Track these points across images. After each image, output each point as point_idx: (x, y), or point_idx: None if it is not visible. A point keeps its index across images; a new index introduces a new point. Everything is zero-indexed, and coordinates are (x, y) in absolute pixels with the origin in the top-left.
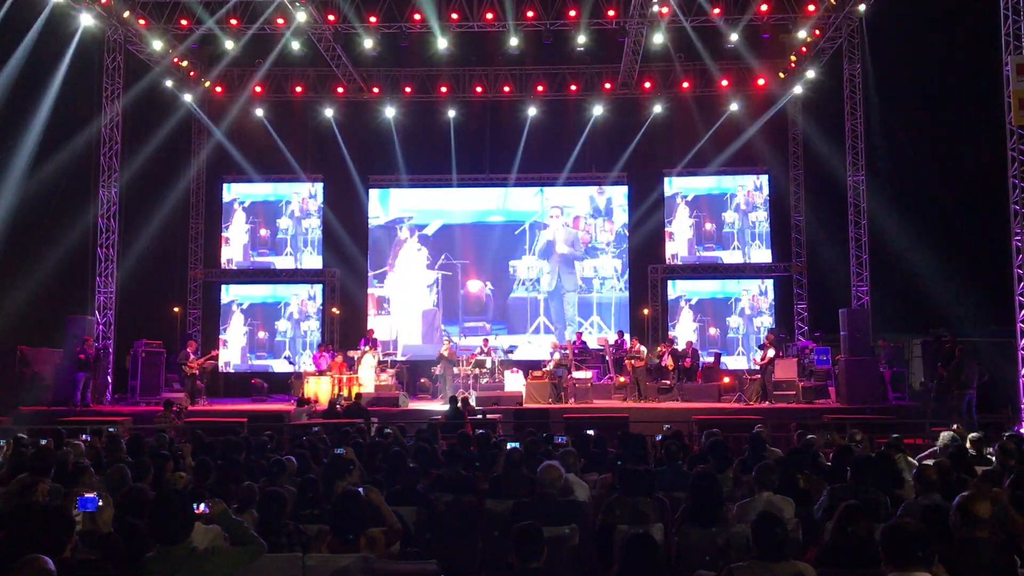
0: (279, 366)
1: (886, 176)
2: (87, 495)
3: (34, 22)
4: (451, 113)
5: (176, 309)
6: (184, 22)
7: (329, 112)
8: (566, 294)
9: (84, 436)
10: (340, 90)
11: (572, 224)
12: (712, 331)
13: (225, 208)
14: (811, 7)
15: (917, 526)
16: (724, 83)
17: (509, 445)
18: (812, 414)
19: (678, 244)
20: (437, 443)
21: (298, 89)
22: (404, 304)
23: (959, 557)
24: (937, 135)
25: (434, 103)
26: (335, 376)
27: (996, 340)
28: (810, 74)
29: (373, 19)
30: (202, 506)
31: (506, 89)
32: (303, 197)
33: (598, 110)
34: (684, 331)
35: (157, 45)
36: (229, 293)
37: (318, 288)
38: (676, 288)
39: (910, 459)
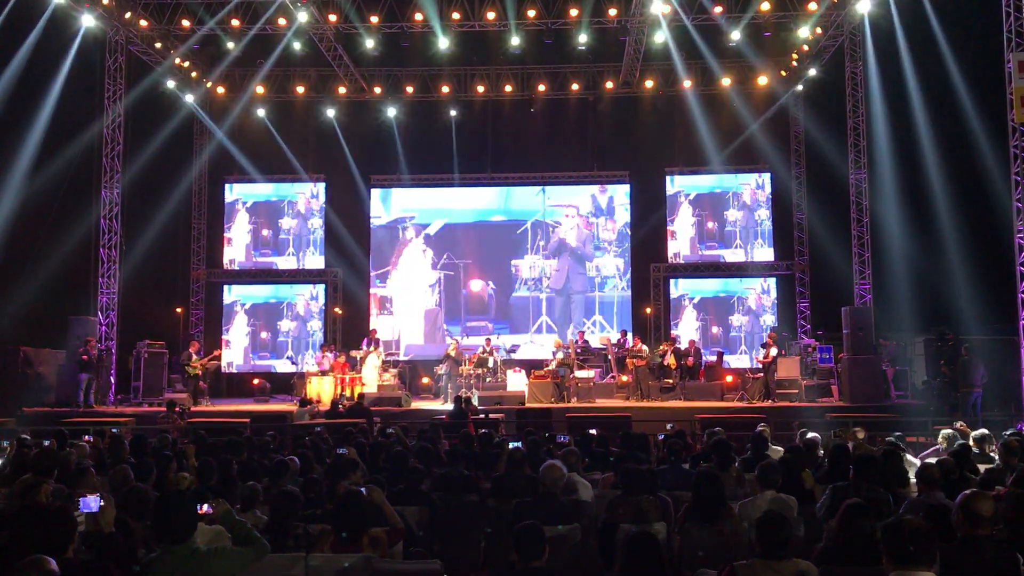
0: (282, 366)
1: (888, 174)
2: (89, 496)
3: (36, 23)
4: (452, 112)
5: (179, 310)
6: (186, 23)
7: (331, 112)
8: (574, 295)
9: (87, 437)
10: (342, 90)
11: (583, 224)
12: (714, 330)
13: (227, 208)
14: (812, 5)
15: (919, 524)
16: (726, 81)
17: (511, 445)
18: (815, 413)
19: (680, 243)
20: (440, 443)
21: (300, 89)
22: (407, 304)
23: (961, 555)
24: (939, 132)
25: (436, 103)
26: (337, 376)
27: (999, 338)
28: (812, 72)
29: (374, 19)
30: (205, 506)
31: (507, 88)
32: (305, 197)
33: (600, 109)
34: (687, 330)
35: (159, 46)
36: (231, 293)
37: (320, 288)
38: (678, 287)
39: (910, 457)
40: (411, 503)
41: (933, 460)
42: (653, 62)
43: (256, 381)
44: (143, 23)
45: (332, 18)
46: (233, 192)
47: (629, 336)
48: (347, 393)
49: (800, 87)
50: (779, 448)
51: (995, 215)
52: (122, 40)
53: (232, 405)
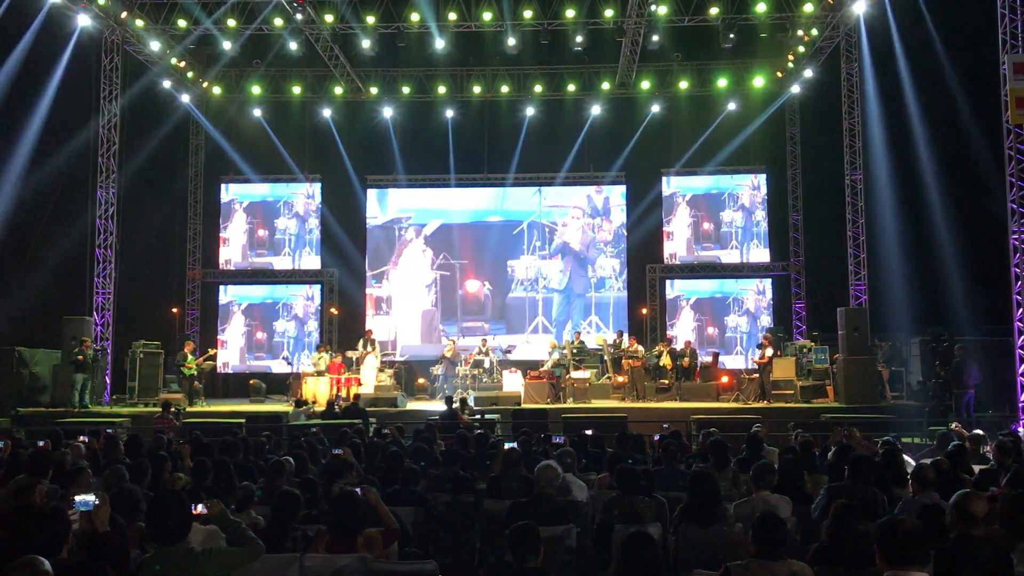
0: (278, 367)
1: (884, 175)
2: (84, 496)
3: (31, 23)
4: (449, 113)
5: (174, 310)
6: (182, 23)
7: (327, 112)
8: (575, 298)
9: (82, 437)
10: (338, 90)
11: (586, 226)
12: (710, 330)
13: (224, 208)
14: (808, 7)
15: (914, 524)
16: (722, 83)
17: (507, 445)
18: (810, 413)
19: (676, 243)
20: (435, 443)
21: (296, 89)
22: (405, 304)
23: (955, 556)
24: (934, 134)
25: (432, 103)
26: (333, 376)
27: (994, 339)
28: (808, 73)
29: (371, 19)
30: (200, 507)
31: (504, 89)
32: (302, 197)
33: (596, 110)
34: (684, 330)
35: (155, 46)
36: (227, 294)
37: (316, 288)
38: (674, 288)
39: (906, 458)
40: (406, 503)
41: (928, 461)
42: (649, 63)
43: (252, 381)
44: (139, 23)
45: (328, 18)
46: (229, 192)
47: (625, 337)
48: (343, 394)
49: (796, 88)
50: (774, 448)
51: (990, 216)
52: (118, 40)
53: (228, 405)
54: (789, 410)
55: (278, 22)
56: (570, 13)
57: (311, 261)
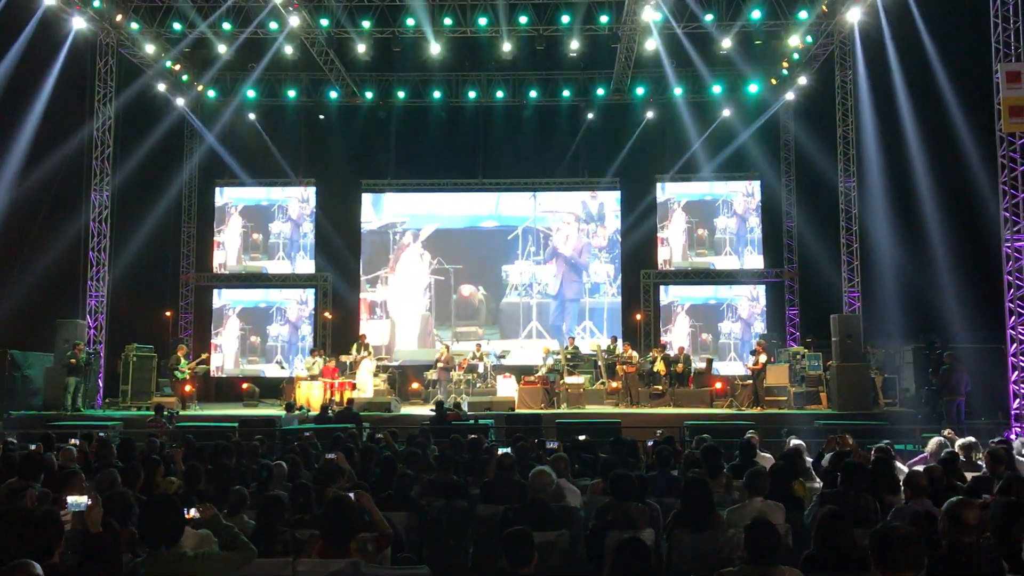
0: (271, 371)
1: (877, 182)
2: (77, 498)
3: (26, 25)
4: (444, 118)
5: (168, 313)
6: (177, 26)
7: (322, 116)
8: (567, 303)
9: (73, 440)
10: (333, 94)
11: (579, 231)
12: (704, 336)
13: (218, 212)
14: (803, 14)
15: (907, 531)
16: (716, 89)
17: (500, 450)
18: (803, 420)
19: (671, 249)
20: (429, 448)
21: (291, 93)
22: (402, 309)
23: (948, 563)
24: (928, 141)
25: (427, 108)
26: (327, 381)
27: (986, 346)
28: (802, 81)
29: (366, 24)
30: (192, 511)
31: (499, 94)
32: (296, 202)
33: (591, 115)
34: (680, 336)
35: (150, 49)
36: (221, 297)
37: (310, 293)
38: (668, 294)
39: (899, 464)
40: (400, 509)
41: (921, 468)
42: (644, 69)
43: (245, 385)
44: (134, 26)
45: (324, 22)
46: (224, 196)
47: (619, 342)
48: (336, 398)
49: (790, 95)
50: (768, 455)
51: (983, 223)
52: (112, 43)
53: (220, 409)
54: (782, 416)
55: (273, 26)
56: (565, 19)
57: (305, 265)
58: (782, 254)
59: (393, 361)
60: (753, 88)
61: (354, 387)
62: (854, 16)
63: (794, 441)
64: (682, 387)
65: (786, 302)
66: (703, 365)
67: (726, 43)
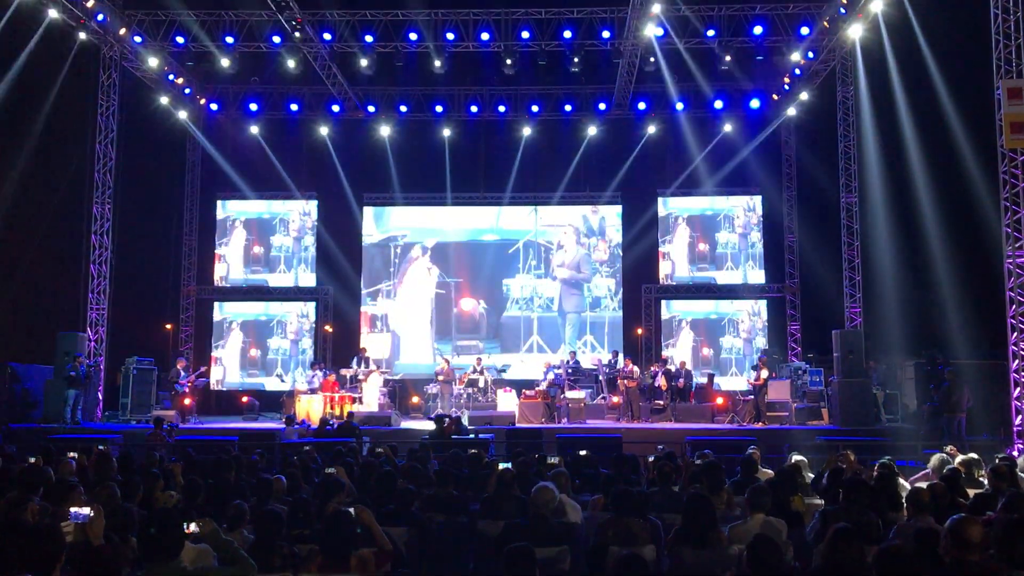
0: (271, 384)
1: (879, 198)
2: (79, 509)
3: (30, 38)
4: (446, 132)
5: (168, 326)
6: (180, 40)
7: (324, 130)
8: (566, 317)
9: (72, 454)
10: (335, 108)
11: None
12: (705, 351)
13: (220, 225)
14: (805, 30)
15: (913, 549)
16: (718, 104)
17: (501, 465)
18: (804, 436)
19: (672, 264)
20: (429, 463)
21: (293, 107)
22: (405, 322)
23: None
24: (929, 157)
25: (429, 122)
26: (327, 394)
27: (988, 362)
28: (803, 96)
29: (369, 39)
30: (192, 525)
31: (501, 109)
32: (298, 215)
33: (592, 130)
34: (683, 351)
35: (153, 62)
36: (222, 311)
37: (311, 306)
38: (670, 308)
39: (901, 481)
40: (400, 524)
41: (923, 485)
42: (645, 84)
43: (245, 399)
44: (137, 39)
45: (327, 36)
46: (225, 209)
47: (620, 357)
48: (336, 412)
49: (792, 111)
50: (769, 471)
51: (985, 239)
52: (116, 56)
53: (220, 423)
54: (784, 432)
55: (276, 40)
56: (567, 35)
57: (306, 279)
58: (784, 269)
59: (394, 374)
60: (754, 103)
61: (354, 400)
62: (856, 32)
63: (796, 457)
64: (683, 402)
65: (787, 317)
66: (704, 380)
67: (727, 59)
